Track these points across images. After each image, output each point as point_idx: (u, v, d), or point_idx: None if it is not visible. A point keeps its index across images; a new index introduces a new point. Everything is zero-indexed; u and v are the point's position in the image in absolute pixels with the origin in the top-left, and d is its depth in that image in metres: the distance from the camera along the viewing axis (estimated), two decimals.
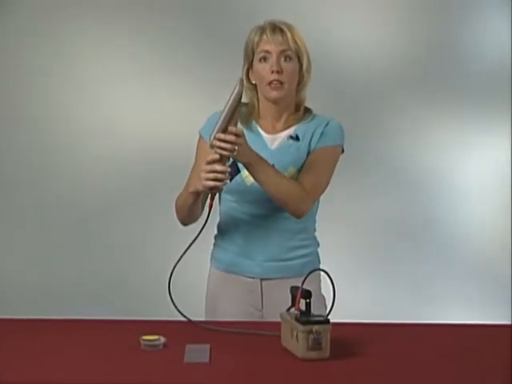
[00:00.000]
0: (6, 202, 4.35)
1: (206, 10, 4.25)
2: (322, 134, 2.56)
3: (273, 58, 2.50)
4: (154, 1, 4.30)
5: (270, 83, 2.51)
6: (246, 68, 2.58)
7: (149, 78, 4.32)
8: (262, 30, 2.53)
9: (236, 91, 2.32)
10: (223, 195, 2.61)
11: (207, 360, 2.02)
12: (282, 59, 2.51)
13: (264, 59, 2.52)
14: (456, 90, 4.35)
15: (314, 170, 2.53)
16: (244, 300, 2.59)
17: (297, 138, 2.57)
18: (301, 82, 2.56)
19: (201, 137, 2.62)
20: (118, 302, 4.08)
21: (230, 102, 2.32)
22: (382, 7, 4.31)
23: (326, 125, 2.57)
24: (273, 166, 2.47)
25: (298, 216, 2.53)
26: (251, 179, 2.50)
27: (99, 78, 4.32)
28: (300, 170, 2.54)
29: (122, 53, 4.31)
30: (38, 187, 4.34)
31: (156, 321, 2.34)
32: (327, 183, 2.58)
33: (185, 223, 2.60)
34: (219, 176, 2.35)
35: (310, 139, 2.56)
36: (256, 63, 2.54)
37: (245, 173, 2.51)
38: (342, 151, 2.62)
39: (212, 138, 2.34)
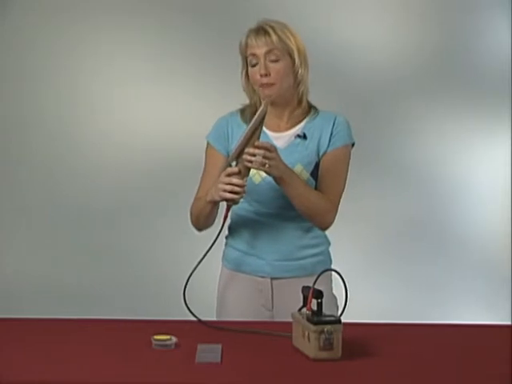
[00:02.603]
0: (9, 201, 4.34)
1: (215, 10, 4.25)
2: (331, 134, 2.57)
3: (260, 61, 2.52)
4: (162, 0, 4.29)
5: (261, 86, 2.53)
6: (244, 71, 2.60)
7: (151, 78, 4.30)
8: (248, 33, 2.56)
9: (260, 110, 2.38)
10: None
11: (219, 360, 2.03)
12: (270, 60, 2.51)
13: (254, 63, 2.53)
14: (457, 91, 4.35)
15: (333, 176, 2.56)
16: (254, 299, 2.59)
17: (304, 137, 2.58)
18: (296, 78, 2.56)
19: (209, 144, 2.64)
20: (125, 303, 4.06)
21: (254, 119, 2.38)
22: (382, 10, 4.32)
23: (334, 122, 2.58)
24: (302, 179, 2.50)
25: (325, 228, 2.59)
26: (258, 178, 2.52)
27: (100, 76, 4.31)
28: (307, 167, 2.55)
29: (131, 52, 4.28)
30: (42, 187, 4.32)
31: (168, 321, 2.34)
32: (345, 184, 2.60)
33: (200, 229, 2.63)
34: (236, 189, 2.38)
35: (319, 138, 2.57)
36: (249, 67, 2.56)
37: (252, 171, 2.52)
38: (352, 145, 2.63)
39: (232, 153, 2.41)
